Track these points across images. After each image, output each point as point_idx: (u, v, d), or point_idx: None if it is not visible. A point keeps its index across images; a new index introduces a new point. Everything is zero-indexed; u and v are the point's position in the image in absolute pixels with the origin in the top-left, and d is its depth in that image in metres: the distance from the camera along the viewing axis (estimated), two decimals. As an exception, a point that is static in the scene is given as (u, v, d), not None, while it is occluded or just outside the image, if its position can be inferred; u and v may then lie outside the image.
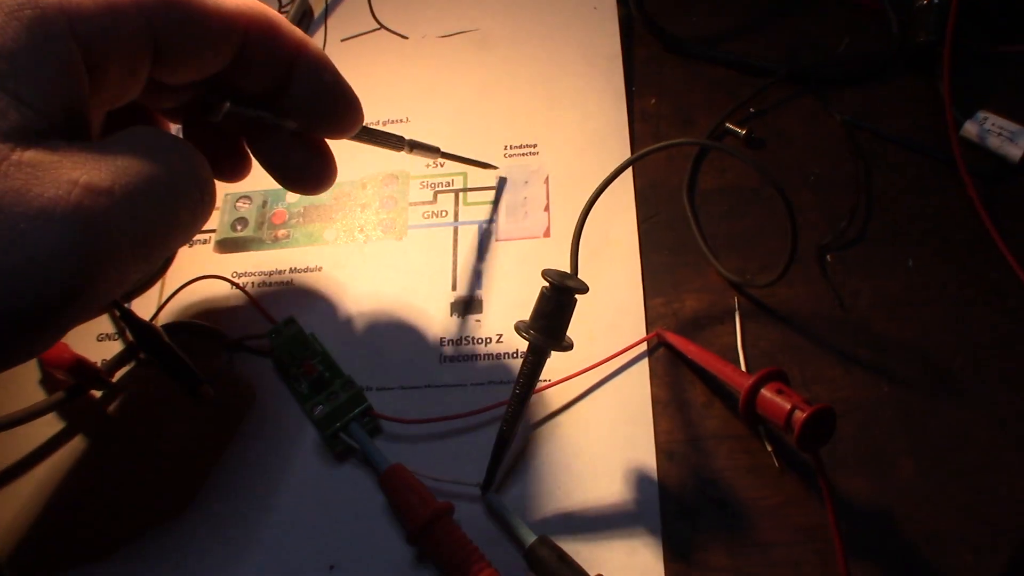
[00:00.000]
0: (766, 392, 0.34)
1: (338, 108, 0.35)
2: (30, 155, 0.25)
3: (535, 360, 0.36)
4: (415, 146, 0.41)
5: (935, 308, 0.40)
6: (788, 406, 0.33)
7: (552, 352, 0.35)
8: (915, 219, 0.43)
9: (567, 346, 0.35)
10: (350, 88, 0.35)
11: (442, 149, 0.43)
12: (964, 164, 0.42)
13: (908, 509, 0.36)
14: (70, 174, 0.25)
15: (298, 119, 0.35)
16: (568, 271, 0.35)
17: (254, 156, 0.37)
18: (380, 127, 0.47)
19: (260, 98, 0.34)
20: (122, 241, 0.26)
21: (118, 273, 0.27)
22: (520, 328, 0.35)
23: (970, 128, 0.44)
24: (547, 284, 0.35)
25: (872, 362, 0.40)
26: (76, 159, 0.26)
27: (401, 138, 0.40)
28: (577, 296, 0.35)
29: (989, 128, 0.44)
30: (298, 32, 0.33)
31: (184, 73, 0.31)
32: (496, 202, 0.45)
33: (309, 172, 0.37)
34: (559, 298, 0.35)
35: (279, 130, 0.35)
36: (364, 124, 0.38)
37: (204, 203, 0.31)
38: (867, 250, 0.42)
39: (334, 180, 0.38)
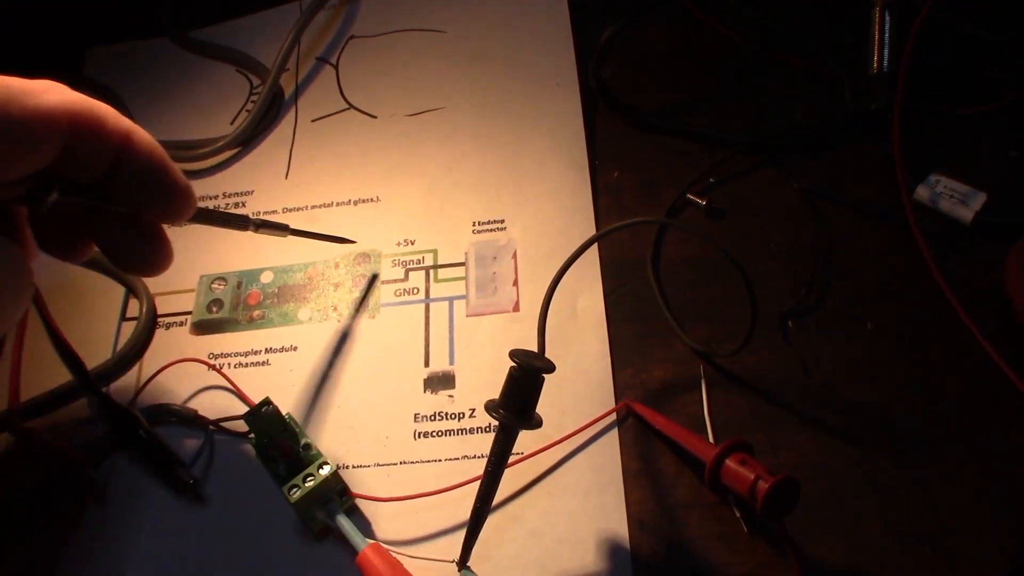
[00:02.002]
0: (730, 463, 0.35)
1: (168, 194, 0.34)
2: None
3: (505, 439, 0.36)
4: (262, 225, 0.40)
5: (896, 370, 0.41)
6: (752, 476, 0.34)
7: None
8: (873, 283, 0.44)
9: (536, 424, 0.36)
10: (180, 174, 0.35)
11: (291, 227, 0.42)
12: (918, 228, 0.44)
13: (878, 573, 0.37)
14: None
15: (129, 205, 0.34)
16: (535, 351, 0.36)
17: (90, 238, 0.37)
18: (350, 206, 0.49)
19: (91, 185, 0.33)
20: None
21: None
22: (489, 408, 0.36)
23: (922, 192, 0.45)
24: (514, 365, 0.36)
25: (837, 426, 0.40)
26: None
27: (246, 218, 0.40)
28: (544, 378, 0.36)
29: (941, 191, 0.45)
30: (125, 122, 0.33)
31: (5, 173, 0.30)
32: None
33: (142, 256, 0.36)
34: (527, 379, 0.36)
35: (112, 215, 0.35)
36: (203, 207, 0.37)
37: (14, 293, 0.31)
38: (827, 315, 0.43)
39: (169, 263, 0.37)
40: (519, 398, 0.36)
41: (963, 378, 0.41)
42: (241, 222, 0.40)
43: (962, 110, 0.48)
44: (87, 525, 0.42)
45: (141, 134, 0.33)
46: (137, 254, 0.36)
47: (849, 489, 0.39)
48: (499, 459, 0.37)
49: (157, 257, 0.36)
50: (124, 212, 0.34)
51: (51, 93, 0.30)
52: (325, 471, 0.39)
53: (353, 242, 0.47)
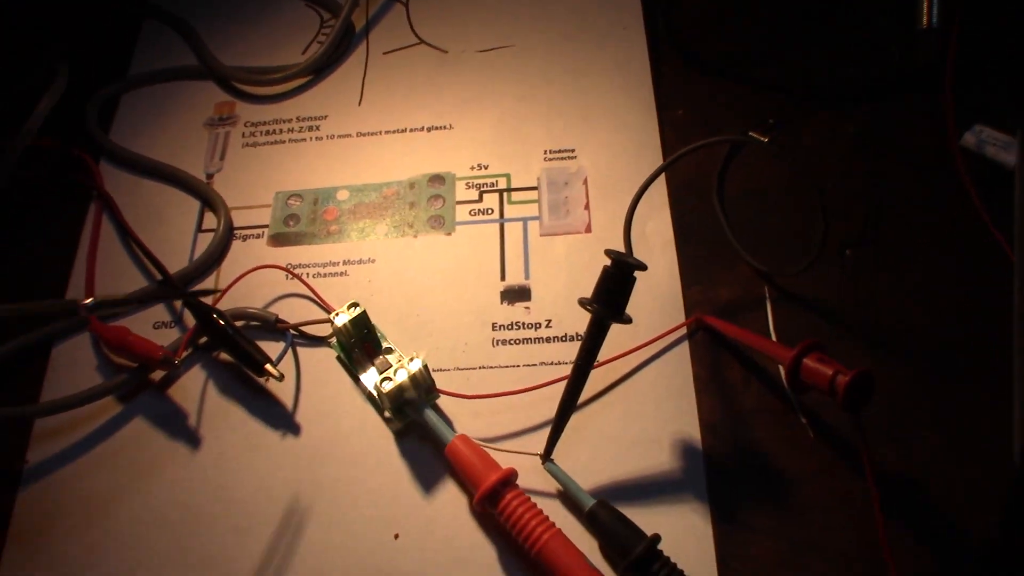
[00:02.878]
0: (808, 361, 0.38)
1: None
2: None
3: (597, 332, 0.38)
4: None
5: (946, 298, 0.44)
6: (831, 372, 0.36)
7: (611, 326, 0.38)
8: (923, 220, 0.47)
9: (627, 319, 0.38)
10: None
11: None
12: (964, 170, 0.47)
13: (933, 477, 0.40)
14: None
15: None
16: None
17: None
18: (423, 132, 0.51)
19: None
20: None
21: None
22: (584, 303, 0.38)
23: (969, 139, 0.48)
24: (610, 262, 0.38)
25: (891, 344, 0.43)
26: None
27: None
28: (636, 276, 0.38)
29: (985, 139, 0.48)
30: None
31: None
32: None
33: None
34: (620, 275, 0.38)
35: None
36: None
37: None
38: (881, 248, 0.46)
39: None
40: (612, 294, 0.38)
41: (1005, 304, 0.44)
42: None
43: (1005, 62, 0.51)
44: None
45: None
46: None
47: (902, 399, 0.42)
48: (589, 353, 0.39)
49: None
50: None
51: None
52: (416, 364, 0.41)
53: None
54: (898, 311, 0.44)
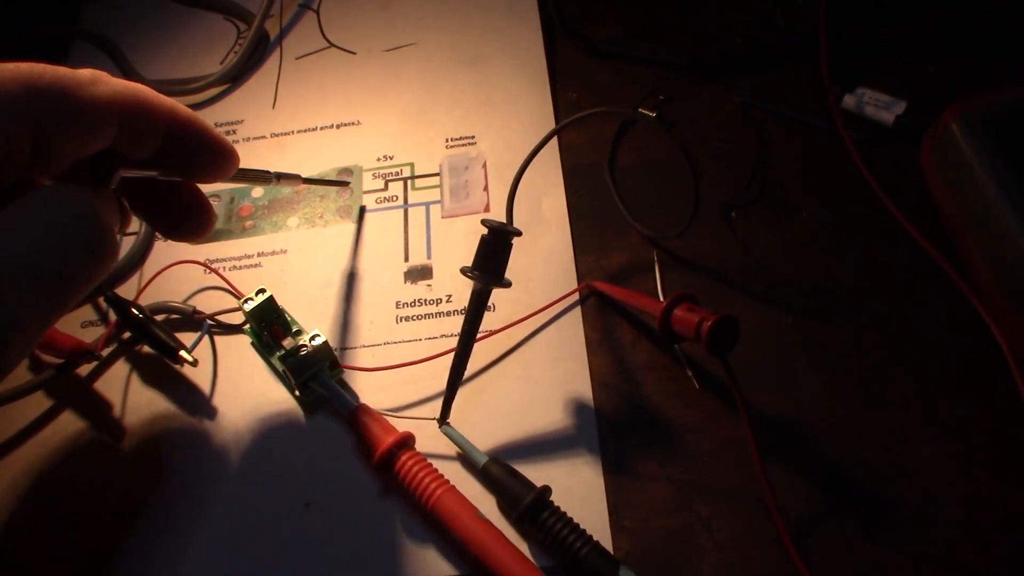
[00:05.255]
0: (678, 311, 0.40)
1: (216, 156, 0.37)
2: None
3: (479, 298, 0.41)
4: (281, 176, 0.44)
5: (826, 250, 0.46)
6: (697, 319, 0.39)
7: (495, 290, 0.41)
8: (806, 179, 0.49)
9: (506, 283, 0.41)
10: (222, 138, 0.38)
11: (303, 176, 0.46)
12: (845, 130, 0.49)
13: (812, 417, 0.42)
14: None
15: (183, 173, 0.37)
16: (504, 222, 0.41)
17: (135, 213, 0.39)
18: (333, 129, 0.54)
19: (144, 161, 0.36)
20: (18, 312, 0.29)
21: (20, 340, 0.29)
22: (465, 271, 0.40)
23: (849, 100, 0.51)
24: (487, 230, 0.40)
25: (774, 298, 0.45)
26: None
27: (268, 172, 0.43)
28: (512, 242, 0.40)
29: (866, 100, 0.50)
30: (167, 101, 0.35)
31: (66, 158, 0.32)
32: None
33: (192, 222, 0.40)
34: (496, 242, 0.40)
35: (162, 186, 0.38)
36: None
37: (100, 262, 0.32)
38: (766, 207, 0.48)
39: (213, 227, 0.41)
40: (491, 260, 0.40)
41: (885, 253, 0.46)
42: (265, 176, 0.43)
43: (881, 34, 0.54)
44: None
45: (182, 108, 0.36)
46: (185, 220, 0.39)
47: (785, 349, 0.44)
48: (474, 317, 0.41)
49: (206, 223, 0.40)
50: (180, 180, 0.38)
51: (100, 84, 0.32)
52: (317, 341, 0.43)
53: (348, 183, 0.51)
54: (780, 265, 0.46)
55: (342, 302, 0.48)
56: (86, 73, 0.32)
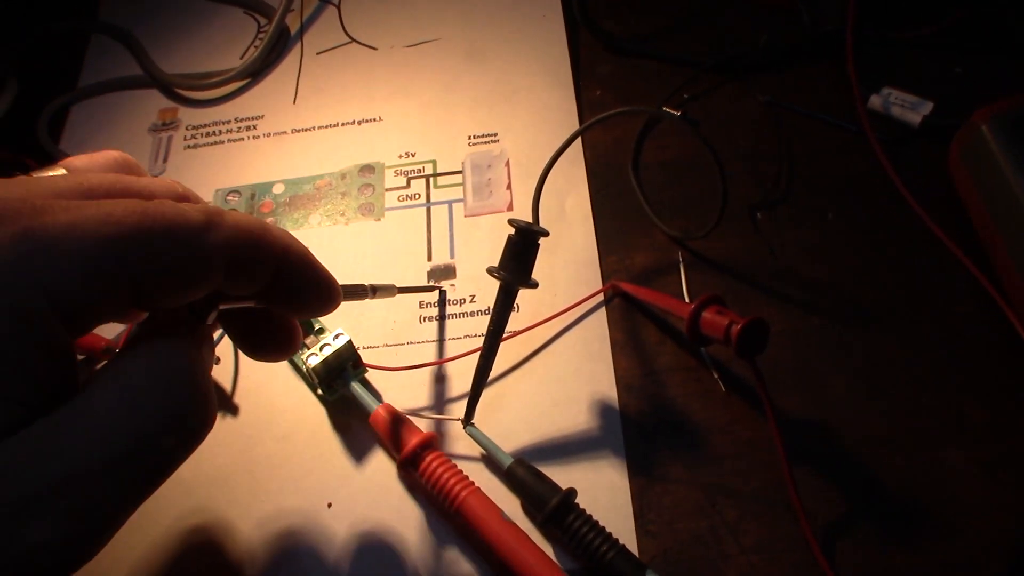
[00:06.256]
0: (707, 314, 0.39)
1: (320, 294, 0.35)
2: (8, 449, 0.24)
3: (505, 298, 0.40)
4: (378, 289, 0.43)
5: (853, 252, 0.46)
6: (726, 321, 0.38)
7: (520, 290, 0.40)
8: (831, 179, 0.49)
9: (533, 284, 0.40)
10: (329, 275, 0.35)
11: (397, 286, 0.45)
12: (872, 131, 0.49)
13: (840, 421, 0.41)
14: (52, 466, 0.24)
15: (281, 307, 0.34)
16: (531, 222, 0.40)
17: (225, 331, 0.37)
18: (354, 125, 0.53)
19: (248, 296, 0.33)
20: (110, 508, 0.26)
21: (111, 532, 0.27)
22: (492, 271, 0.40)
23: (875, 101, 0.50)
24: (513, 230, 0.40)
25: (801, 300, 0.45)
26: (56, 442, 0.25)
27: (365, 286, 0.42)
28: (540, 241, 0.40)
29: (892, 100, 0.50)
30: (281, 239, 0.32)
31: (166, 306, 0.29)
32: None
33: (279, 345, 0.37)
34: (523, 241, 0.40)
35: (253, 312, 0.35)
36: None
37: (199, 434, 0.29)
38: (791, 207, 0.48)
39: (299, 348, 0.39)
40: (517, 260, 0.40)
41: (913, 256, 0.46)
42: (362, 292, 0.42)
43: (905, 34, 0.53)
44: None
45: (295, 246, 0.33)
46: (274, 344, 0.36)
47: (812, 351, 0.43)
48: (499, 317, 0.41)
49: (292, 344, 0.37)
50: (283, 313, 0.35)
51: (214, 230, 0.28)
52: (341, 340, 0.43)
53: (441, 287, 0.48)
54: (806, 266, 0.46)
55: (365, 301, 0.47)
56: (198, 217, 0.28)
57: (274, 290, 0.32)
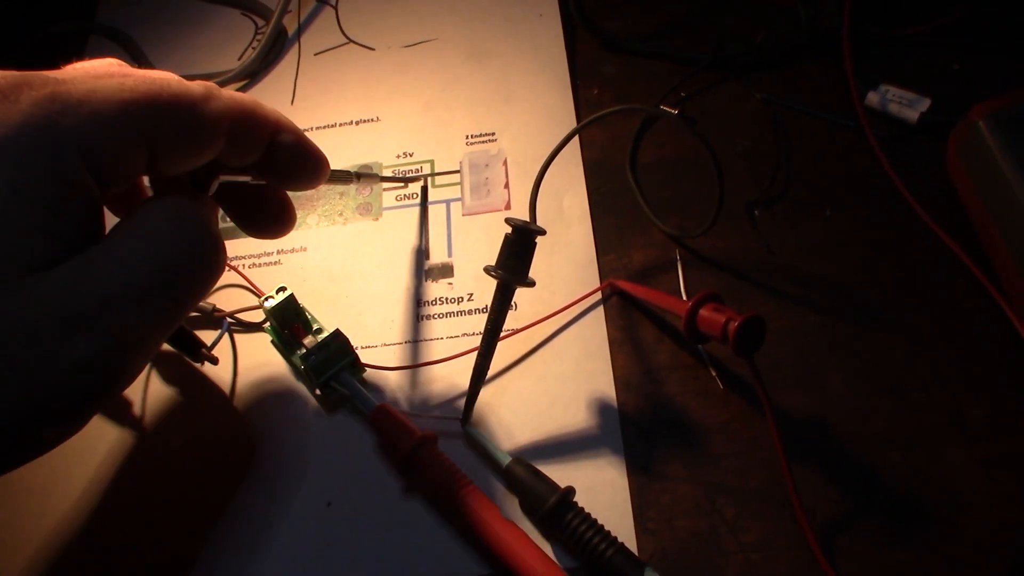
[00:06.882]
0: (704, 311, 0.39)
1: (310, 167, 0.39)
2: (51, 278, 0.27)
3: (502, 296, 0.40)
4: (361, 176, 0.45)
5: (851, 249, 0.46)
6: (723, 319, 0.38)
7: (517, 289, 0.40)
8: (829, 177, 0.49)
9: (530, 282, 0.40)
10: (317, 149, 0.39)
11: (380, 175, 0.48)
12: (869, 128, 0.49)
13: (838, 418, 0.41)
14: (91, 291, 0.28)
15: (279, 180, 0.39)
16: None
17: (224, 211, 0.41)
18: (352, 126, 0.53)
19: (244, 168, 0.37)
20: (142, 331, 0.30)
21: (143, 355, 0.30)
22: (489, 270, 0.40)
23: (872, 98, 0.50)
24: (510, 229, 0.40)
25: (799, 296, 0.45)
26: (91, 273, 0.28)
27: (351, 172, 0.45)
28: (536, 241, 0.40)
29: (890, 97, 0.50)
30: (272, 112, 0.36)
31: (176, 171, 0.33)
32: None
33: (275, 221, 0.41)
34: (521, 240, 0.40)
35: (250, 188, 0.39)
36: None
37: (213, 272, 0.33)
38: (789, 205, 0.48)
39: (294, 226, 0.42)
40: (515, 259, 0.40)
41: (911, 252, 0.46)
42: (347, 176, 0.44)
43: (903, 31, 0.53)
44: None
45: (285, 119, 0.37)
46: (270, 220, 0.41)
47: (811, 349, 0.43)
48: (497, 315, 0.41)
49: (287, 220, 0.41)
50: (276, 186, 0.39)
51: (213, 100, 0.32)
52: (338, 341, 0.43)
53: (424, 176, 0.51)
54: (804, 264, 0.46)
55: (363, 300, 0.47)
56: (199, 88, 0.32)
57: (268, 162, 0.37)
